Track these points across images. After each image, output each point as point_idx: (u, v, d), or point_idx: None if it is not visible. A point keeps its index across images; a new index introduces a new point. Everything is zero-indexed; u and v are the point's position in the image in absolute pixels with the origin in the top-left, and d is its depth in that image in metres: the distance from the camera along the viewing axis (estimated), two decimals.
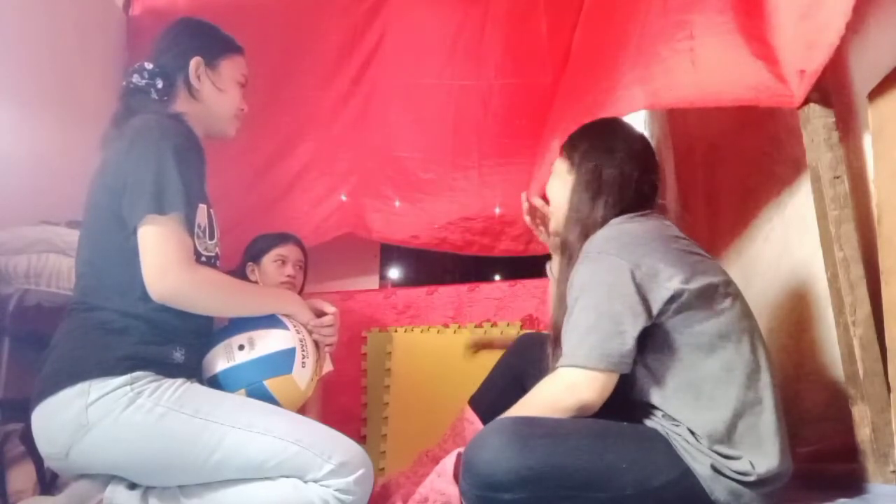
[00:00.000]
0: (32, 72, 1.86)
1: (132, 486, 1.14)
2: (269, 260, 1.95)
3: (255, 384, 1.22)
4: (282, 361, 1.23)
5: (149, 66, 1.32)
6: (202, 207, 1.27)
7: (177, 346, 1.18)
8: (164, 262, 1.14)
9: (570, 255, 1.23)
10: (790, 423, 1.13)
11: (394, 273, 2.96)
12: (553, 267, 1.54)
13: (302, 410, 1.60)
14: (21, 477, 1.50)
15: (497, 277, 2.94)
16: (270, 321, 1.27)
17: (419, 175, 2.49)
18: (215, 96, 1.37)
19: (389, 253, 2.84)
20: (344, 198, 2.49)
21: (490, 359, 1.65)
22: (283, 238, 2.01)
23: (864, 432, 1.17)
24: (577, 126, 1.40)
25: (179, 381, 1.15)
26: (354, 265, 2.63)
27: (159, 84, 1.31)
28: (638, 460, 1.02)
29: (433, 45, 2.44)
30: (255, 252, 1.98)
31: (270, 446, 1.10)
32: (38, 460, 1.49)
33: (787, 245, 1.59)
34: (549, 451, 0.98)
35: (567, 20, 2.35)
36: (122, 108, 1.34)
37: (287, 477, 1.11)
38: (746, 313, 1.14)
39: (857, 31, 1.23)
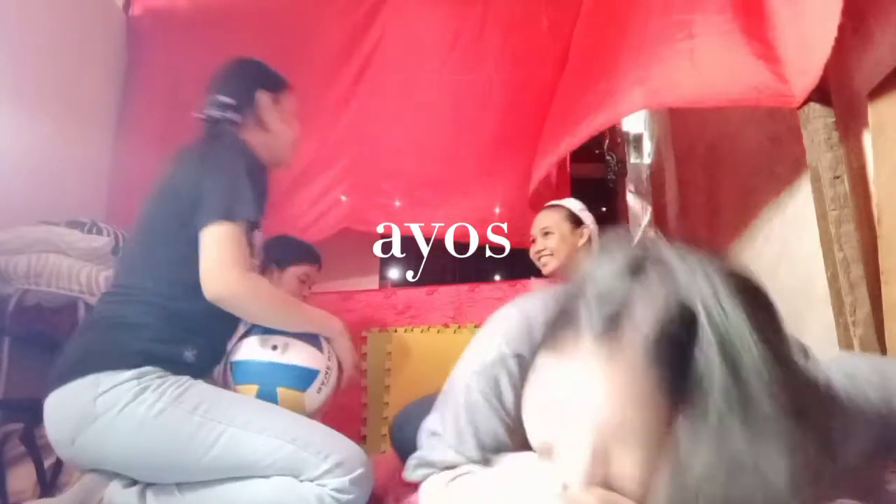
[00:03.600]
0: (33, 72, 1.86)
1: (131, 483, 1.15)
2: (294, 273, 1.94)
3: (269, 385, 1.25)
4: (302, 377, 1.27)
5: (226, 99, 1.41)
6: (258, 233, 1.34)
7: (189, 346, 1.21)
8: (225, 262, 1.18)
9: None
10: None
11: (394, 273, 2.96)
12: None
13: None
14: (21, 477, 1.50)
15: (497, 277, 2.94)
16: (313, 338, 1.31)
17: (418, 170, 2.49)
18: (281, 126, 1.47)
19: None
20: (343, 198, 2.49)
21: None
22: (314, 258, 2.00)
23: None
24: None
25: (185, 378, 1.17)
26: (354, 265, 2.63)
27: (233, 116, 1.40)
28: None
29: (433, 42, 2.45)
30: (281, 257, 1.94)
31: (266, 444, 1.11)
32: (38, 461, 1.50)
33: (787, 245, 1.58)
34: None
35: (568, 15, 2.35)
36: (201, 136, 1.40)
37: (283, 475, 1.12)
38: None
39: (857, 31, 1.23)
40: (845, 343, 1.20)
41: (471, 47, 2.43)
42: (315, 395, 1.28)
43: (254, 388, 1.25)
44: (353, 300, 2.46)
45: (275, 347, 1.26)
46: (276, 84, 1.49)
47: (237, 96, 1.42)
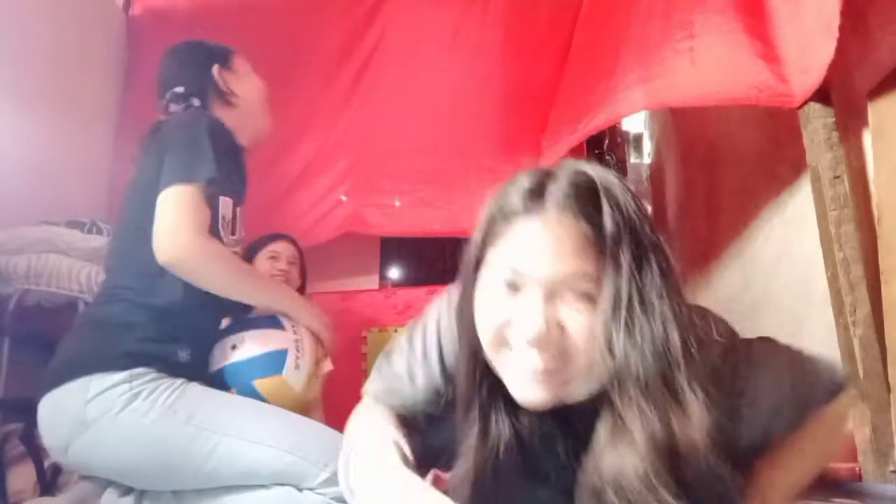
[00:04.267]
0: (32, 72, 1.86)
1: (127, 491, 1.14)
2: (262, 257, 1.95)
3: (244, 385, 1.21)
4: (272, 362, 1.22)
5: (180, 89, 1.35)
6: (227, 201, 1.28)
7: (182, 344, 1.18)
8: (178, 225, 1.12)
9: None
10: None
11: (394, 273, 2.96)
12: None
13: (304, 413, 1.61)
14: (21, 477, 1.50)
15: None
16: (269, 321, 1.26)
17: (418, 167, 2.49)
18: (244, 91, 1.40)
19: (389, 253, 2.84)
20: (344, 198, 2.49)
21: None
22: (275, 237, 2.03)
23: (864, 432, 1.17)
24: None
25: (178, 382, 1.14)
26: (354, 265, 2.63)
27: (196, 102, 1.35)
28: None
29: (433, 37, 2.44)
30: (250, 253, 1.99)
31: (263, 455, 1.09)
32: (38, 460, 1.49)
33: (787, 245, 1.58)
34: None
35: (568, 10, 2.35)
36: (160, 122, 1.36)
37: (282, 485, 1.10)
38: None
39: (857, 31, 1.23)
40: (845, 343, 1.20)
41: (471, 44, 2.42)
42: (295, 372, 1.23)
43: (232, 393, 1.21)
44: (353, 300, 2.46)
45: (234, 347, 1.23)
46: (224, 55, 1.42)
47: (192, 81, 1.36)
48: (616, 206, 0.64)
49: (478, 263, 0.70)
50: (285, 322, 1.27)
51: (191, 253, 1.12)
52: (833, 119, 1.26)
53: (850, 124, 1.28)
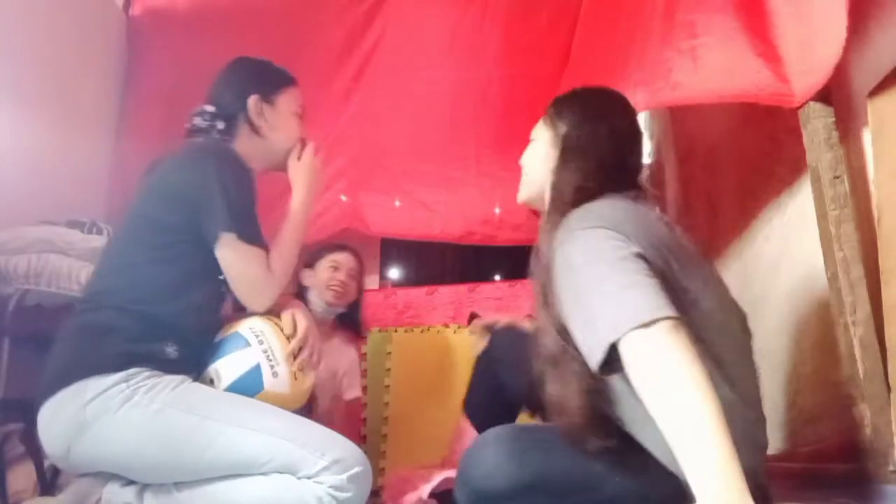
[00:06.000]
0: (32, 72, 1.86)
1: (128, 482, 1.15)
2: (323, 265, 1.99)
3: None
4: (250, 382, 1.23)
5: (209, 108, 1.37)
6: None
7: (169, 341, 1.19)
8: (255, 282, 1.26)
9: (549, 236, 1.01)
10: (790, 422, 1.12)
11: (394, 273, 2.96)
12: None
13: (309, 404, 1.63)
14: (21, 477, 1.50)
15: (497, 277, 2.94)
16: (233, 343, 1.26)
17: (417, 168, 2.49)
18: (275, 130, 1.42)
19: (389, 253, 2.84)
20: (344, 198, 2.49)
21: None
22: (339, 247, 2.07)
23: (864, 432, 1.17)
24: None
25: (178, 378, 1.16)
26: None
27: (220, 125, 1.37)
28: (634, 472, 0.99)
29: (432, 38, 2.44)
30: (311, 258, 2.02)
31: (263, 443, 1.11)
32: (38, 460, 1.50)
33: (787, 245, 1.58)
34: (543, 462, 0.98)
35: (568, 10, 2.35)
36: (193, 143, 1.37)
37: (281, 473, 1.11)
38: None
39: (857, 31, 1.22)
40: (845, 343, 1.20)
41: (470, 43, 2.43)
42: (275, 380, 1.24)
43: None
44: None
45: (212, 381, 1.24)
46: (269, 86, 1.43)
47: (226, 103, 1.38)
48: (574, 112, 1.19)
49: None
50: (250, 336, 1.27)
51: (277, 292, 1.30)
52: (833, 119, 1.26)
53: (850, 124, 1.28)
